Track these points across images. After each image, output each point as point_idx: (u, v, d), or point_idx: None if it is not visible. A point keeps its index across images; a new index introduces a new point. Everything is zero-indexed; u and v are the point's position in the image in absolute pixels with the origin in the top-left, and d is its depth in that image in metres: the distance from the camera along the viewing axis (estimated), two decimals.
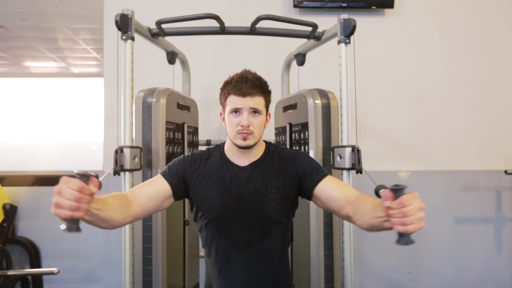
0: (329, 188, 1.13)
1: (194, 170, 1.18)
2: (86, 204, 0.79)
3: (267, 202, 1.15)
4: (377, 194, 1.14)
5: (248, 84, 1.10)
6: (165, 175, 1.16)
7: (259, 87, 1.12)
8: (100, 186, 0.83)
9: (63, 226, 0.77)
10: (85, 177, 0.79)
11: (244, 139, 1.11)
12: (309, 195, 1.18)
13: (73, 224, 0.77)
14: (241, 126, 1.10)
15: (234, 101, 1.11)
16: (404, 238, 0.79)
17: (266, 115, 1.18)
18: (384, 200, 0.81)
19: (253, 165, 1.18)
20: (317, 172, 1.17)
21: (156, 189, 1.13)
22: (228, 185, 1.16)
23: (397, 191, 0.79)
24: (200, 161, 1.19)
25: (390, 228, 0.86)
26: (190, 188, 1.18)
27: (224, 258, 1.17)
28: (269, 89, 1.18)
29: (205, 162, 1.19)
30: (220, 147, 1.24)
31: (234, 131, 1.12)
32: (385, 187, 1.10)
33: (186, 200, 2.00)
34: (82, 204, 0.77)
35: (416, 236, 0.79)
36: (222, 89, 1.17)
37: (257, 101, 1.12)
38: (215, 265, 1.19)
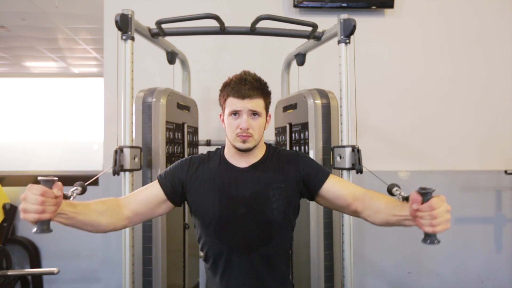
0: (335, 187, 1.14)
1: (191, 174, 1.16)
2: (51, 206, 0.83)
3: (269, 204, 1.12)
4: (390, 192, 1.15)
5: (247, 86, 1.09)
6: (160, 179, 1.16)
7: (258, 89, 1.11)
8: (62, 188, 0.86)
9: (34, 229, 0.83)
10: (48, 182, 0.83)
11: (244, 141, 1.10)
12: (313, 195, 1.18)
13: (44, 226, 0.83)
14: (240, 128, 1.09)
15: (233, 103, 1.10)
16: (431, 238, 0.84)
17: (266, 116, 1.16)
18: (413, 202, 0.85)
19: (253, 166, 1.16)
20: (321, 172, 1.17)
21: (150, 193, 1.13)
22: (227, 188, 1.13)
23: (425, 194, 0.83)
24: (198, 165, 1.17)
25: (408, 225, 0.93)
26: (187, 192, 1.15)
27: (225, 264, 1.15)
28: (269, 90, 1.16)
29: (203, 166, 1.17)
30: (220, 150, 1.22)
31: (233, 134, 1.11)
32: (397, 186, 1.11)
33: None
34: (47, 207, 0.82)
35: (416, 235, 0.81)
36: (221, 90, 1.15)
37: (256, 103, 1.10)
38: (216, 272, 1.17)
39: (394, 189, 1.12)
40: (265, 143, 1.23)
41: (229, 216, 1.13)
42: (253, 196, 1.13)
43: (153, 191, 1.14)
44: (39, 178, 0.84)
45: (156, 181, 1.16)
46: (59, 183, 0.86)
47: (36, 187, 0.82)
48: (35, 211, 0.81)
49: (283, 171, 1.16)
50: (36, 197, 0.81)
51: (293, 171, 1.16)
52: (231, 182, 1.14)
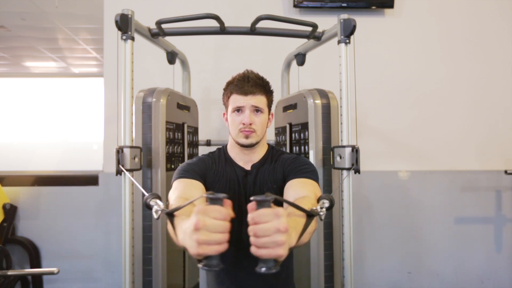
0: (290, 186, 1.07)
1: (208, 170, 1.17)
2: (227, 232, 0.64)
3: None
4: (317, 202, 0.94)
5: (250, 83, 1.11)
6: (191, 175, 1.10)
7: (261, 86, 1.13)
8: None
9: (201, 264, 0.64)
10: (219, 200, 0.64)
11: (247, 137, 1.12)
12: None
13: (215, 260, 0.64)
14: (243, 124, 1.11)
15: (236, 100, 1.12)
16: (262, 264, 0.62)
17: (269, 114, 1.19)
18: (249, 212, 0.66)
19: (254, 167, 1.19)
20: (300, 171, 1.12)
21: (201, 188, 1.08)
22: (237, 188, 1.16)
23: (260, 203, 0.63)
24: (212, 163, 1.19)
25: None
26: (205, 185, 1.15)
27: (230, 263, 1.15)
28: (271, 89, 1.19)
29: (214, 165, 1.19)
30: (223, 149, 1.24)
31: (236, 130, 1.13)
32: (327, 199, 0.88)
33: None
34: (226, 234, 0.65)
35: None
36: (225, 89, 1.18)
37: (259, 100, 1.12)
38: (218, 274, 1.18)
39: (321, 201, 0.90)
40: (268, 144, 1.25)
41: (236, 213, 1.14)
42: (251, 196, 1.15)
43: (200, 186, 1.07)
44: (204, 195, 0.66)
45: (187, 180, 1.08)
46: (228, 200, 0.67)
47: (216, 209, 0.64)
48: (219, 242, 0.63)
49: (275, 172, 1.17)
50: (220, 223, 0.63)
51: (281, 172, 1.17)
52: (240, 182, 1.17)
